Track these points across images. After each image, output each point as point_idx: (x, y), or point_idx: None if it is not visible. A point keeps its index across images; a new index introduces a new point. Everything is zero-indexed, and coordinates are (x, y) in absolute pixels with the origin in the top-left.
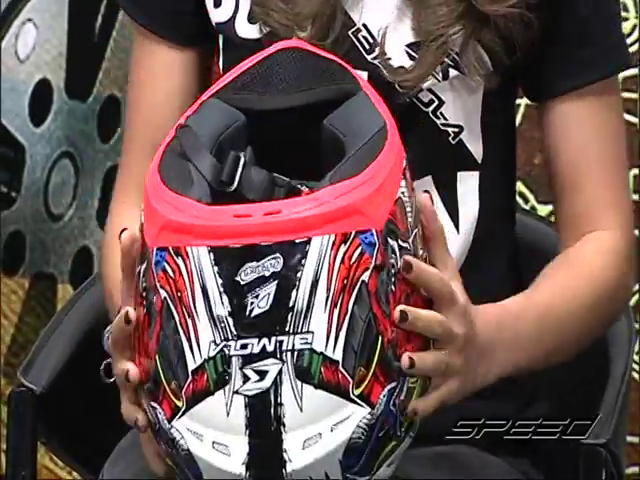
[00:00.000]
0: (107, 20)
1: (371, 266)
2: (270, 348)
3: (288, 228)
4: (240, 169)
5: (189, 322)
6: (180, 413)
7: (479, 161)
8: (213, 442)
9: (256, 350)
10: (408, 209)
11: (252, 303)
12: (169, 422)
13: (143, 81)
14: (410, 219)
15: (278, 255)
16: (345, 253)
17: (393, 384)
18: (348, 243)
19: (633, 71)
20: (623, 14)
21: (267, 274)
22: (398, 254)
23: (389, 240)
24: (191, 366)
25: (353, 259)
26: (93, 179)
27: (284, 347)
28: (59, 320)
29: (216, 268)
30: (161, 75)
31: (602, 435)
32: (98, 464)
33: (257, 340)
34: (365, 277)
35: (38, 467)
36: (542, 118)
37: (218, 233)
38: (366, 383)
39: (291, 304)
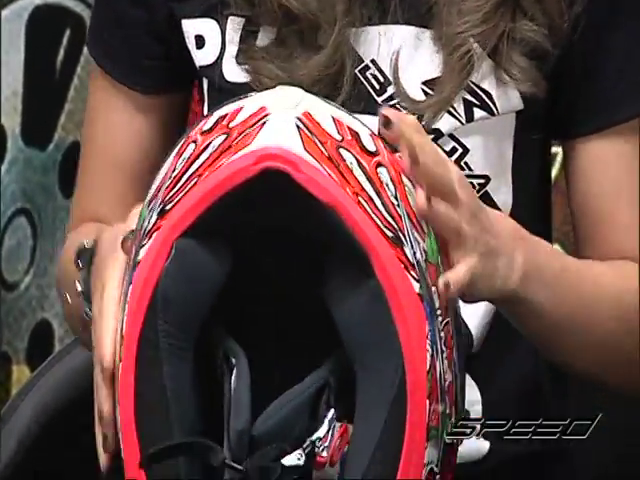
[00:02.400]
0: (70, 54)
1: None
2: None
3: None
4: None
5: None
6: None
7: (507, 213)
8: None
9: None
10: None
11: None
12: None
13: (101, 133)
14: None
15: None
16: None
17: None
18: None
19: None
20: None
21: None
22: None
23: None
24: None
25: None
26: (54, 241)
27: None
28: (14, 407)
29: None
30: (123, 125)
31: None
32: None
33: None
34: None
35: None
36: (567, 157)
37: None
38: None
39: None
